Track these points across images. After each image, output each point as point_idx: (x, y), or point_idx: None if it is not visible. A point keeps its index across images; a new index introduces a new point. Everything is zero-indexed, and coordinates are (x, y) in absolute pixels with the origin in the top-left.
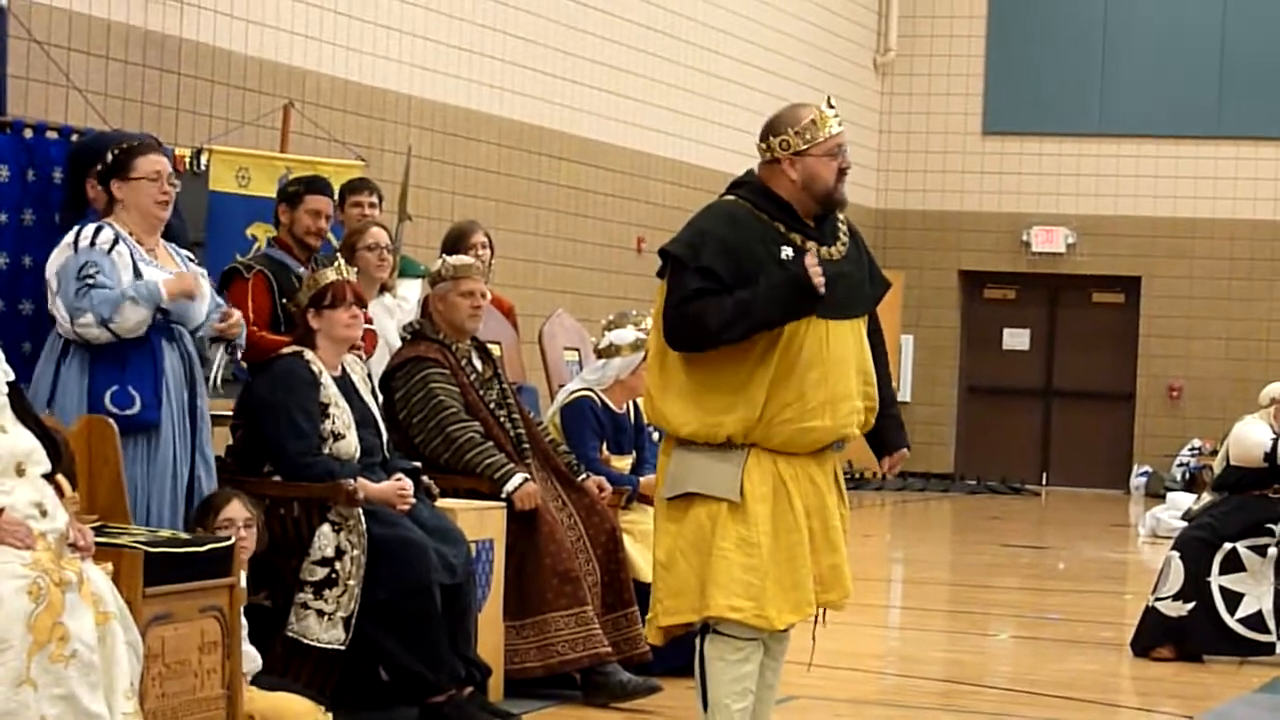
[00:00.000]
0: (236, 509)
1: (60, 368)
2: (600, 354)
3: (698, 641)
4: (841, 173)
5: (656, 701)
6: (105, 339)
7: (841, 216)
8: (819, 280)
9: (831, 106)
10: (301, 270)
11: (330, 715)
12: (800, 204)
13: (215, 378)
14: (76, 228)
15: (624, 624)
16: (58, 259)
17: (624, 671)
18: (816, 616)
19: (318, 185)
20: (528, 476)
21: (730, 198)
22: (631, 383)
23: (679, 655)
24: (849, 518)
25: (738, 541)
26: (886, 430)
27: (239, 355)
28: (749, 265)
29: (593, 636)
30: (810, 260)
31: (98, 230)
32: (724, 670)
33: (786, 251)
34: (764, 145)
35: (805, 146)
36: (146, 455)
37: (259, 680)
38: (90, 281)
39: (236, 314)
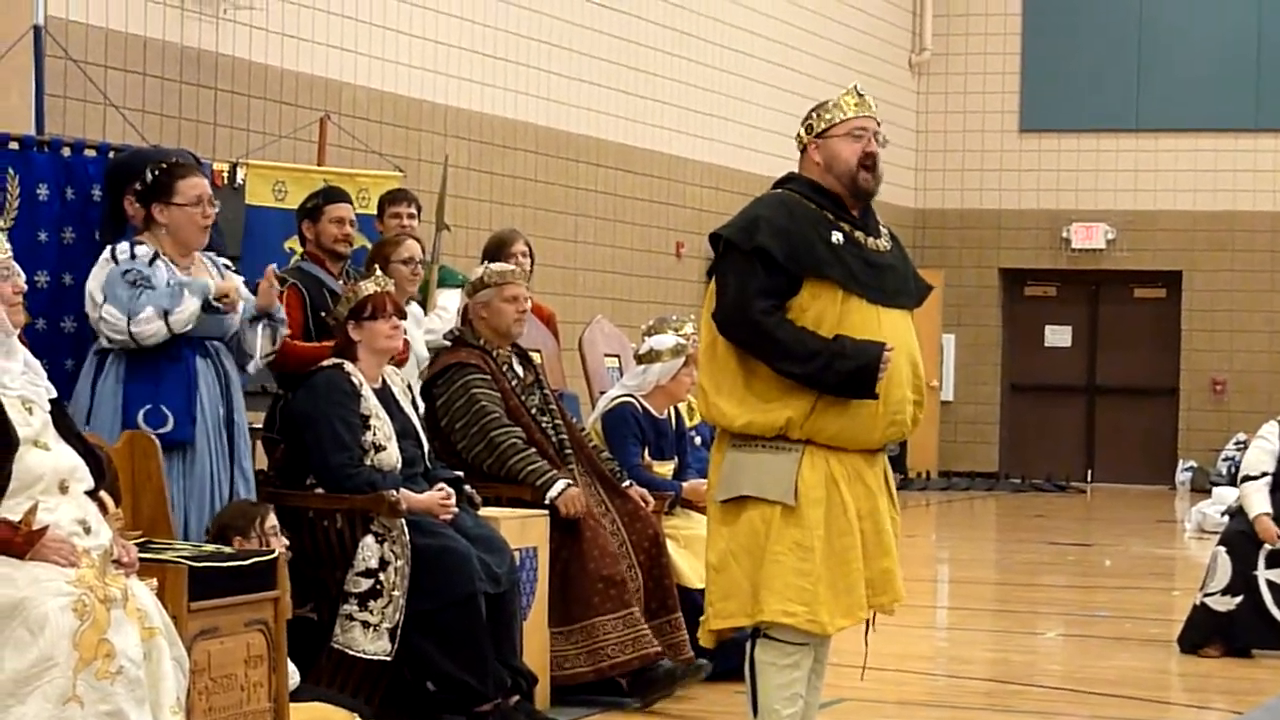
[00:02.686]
0: (274, 517)
1: (96, 386)
2: (640, 360)
3: (748, 646)
4: (868, 157)
5: (705, 705)
6: (162, 335)
7: (883, 221)
8: (882, 376)
9: (861, 94)
10: (334, 283)
11: None
12: (834, 190)
13: (258, 359)
14: (112, 245)
15: (668, 630)
16: (99, 274)
17: (669, 661)
18: (868, 621)
19: (335, 195)
20: (571, 482)
21: (777, 191)
22: (672, 388)
23: (726, 659)
24: (899, 521)
25: (792, 545)
26: None
27: (279, 335)
28: (802, 248)
29: (641, 638)
30: (887, 358)
31: (134, 245)
32: (774, 676)
33: (837, 236)
34: (796, 137)
35: (825, 127)
36: (183, 471)
37: (298, 694)
38: (144, 284)
39: (267, 278)
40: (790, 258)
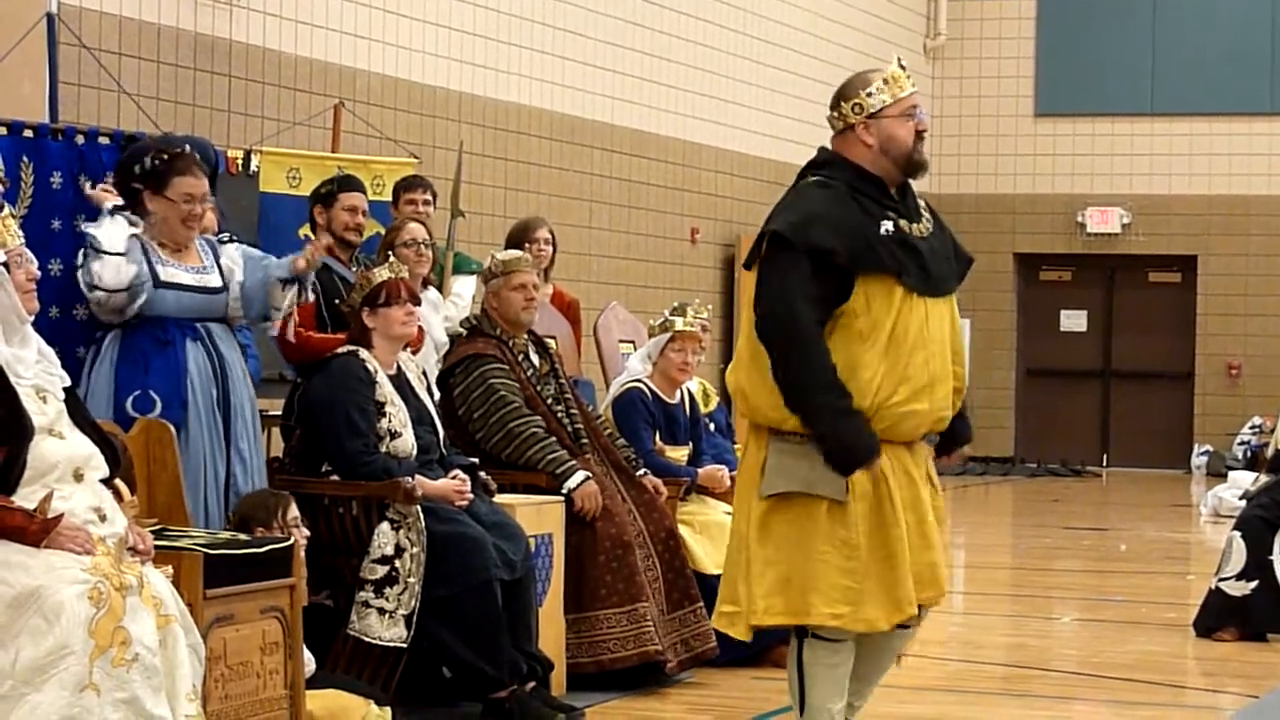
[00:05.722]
0: (295, 507)
1: (92, 372)
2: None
3: (793, 646)
4: (919, 135)
5: (724, 692)
6: (115, 265)
7: (927, 189)
8: (861, 470)
9: (903, 67)
10: (345, 270)
11: (388, 710)
12: (883, 172)
13: (287, 308)
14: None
15: (691, 620)
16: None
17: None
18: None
19: (350, 183)
20: (589, 475)
21: (816, 179)
22: (663, 366)
23: (740, 647)
24: (944, 508)
25: (838, 544)
26: (955, 421)
27: (309, 293)
28: (860, 245)
29: (644, 634)
30: (876, 467)
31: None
32: (824, 674)
33: (886, 226)
34: (836, 114)
35: (880, 108)
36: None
37: (313, 681)
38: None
39: (314, 245)
40: (850, 258)
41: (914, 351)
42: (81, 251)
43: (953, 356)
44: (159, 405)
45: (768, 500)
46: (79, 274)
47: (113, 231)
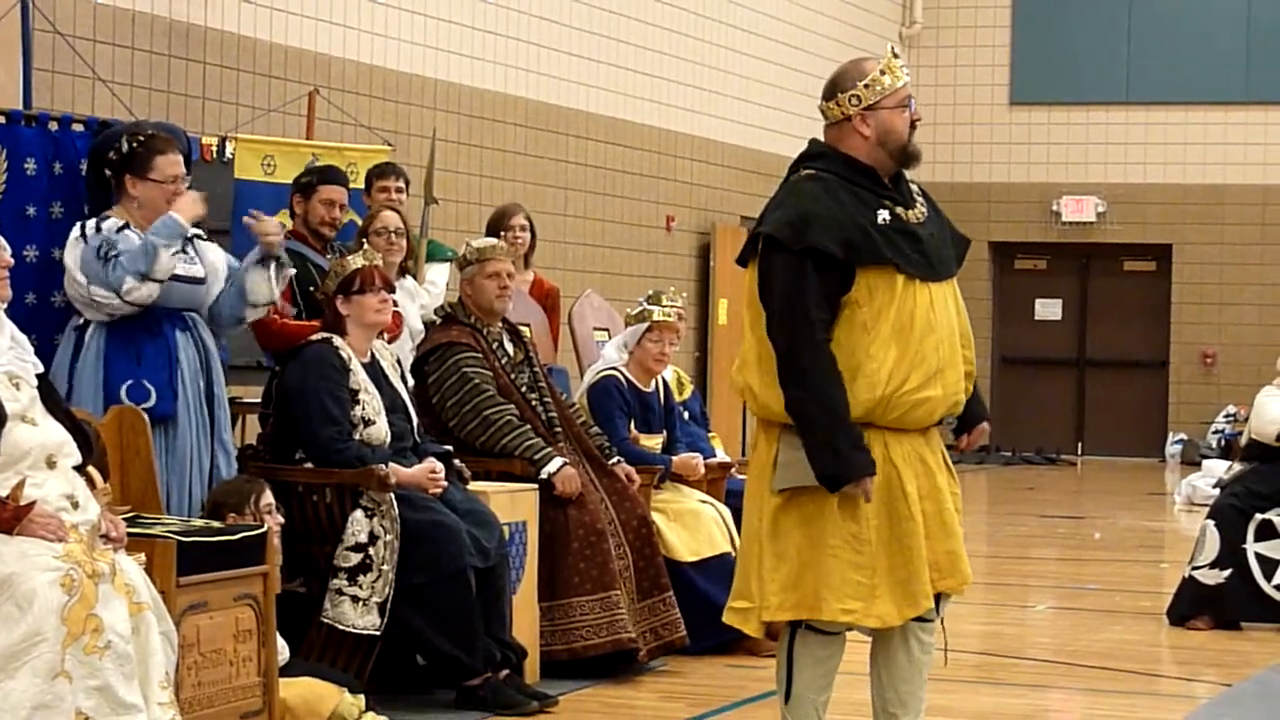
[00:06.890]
0: (269, 494)
1: (76, 363)
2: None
3: (785, 632)
4: (913, 125)
5: (697, 680)
6: (154, 290)
7: (910, 177)
8: (851, 489)
9: (897, 55)
10: (320, 259)
11: (361, 698)
12: (877, 163)
13: (263, 305)
14: (80, 223)
15: (660, 609)
16: (73, 253)
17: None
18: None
19: (331, 175)
20: (567, 461)
21: (809, 172)
22: (640, 356)
23: (713, 635)
24: (960, 496)
25: (848, 538)
26: (968, 402)
27: (285, 278)
28: (857, 237)
29: (616, 622)
30: (867, 490)
31: (101, 219)
32: (813, 665)
33: (883, 215)
34: (831, 104)
35: (876, 100)
36: (165, 446)
37: (287, 668)
38: (114, 254)
39: (265, 219)
40: (849, 252)
41: (924, 337)
42: (123, 261)
43: (960, 340)
44: (154, 396)
45: (780, 495)
46: (81, 262)
47: (164, 264)
